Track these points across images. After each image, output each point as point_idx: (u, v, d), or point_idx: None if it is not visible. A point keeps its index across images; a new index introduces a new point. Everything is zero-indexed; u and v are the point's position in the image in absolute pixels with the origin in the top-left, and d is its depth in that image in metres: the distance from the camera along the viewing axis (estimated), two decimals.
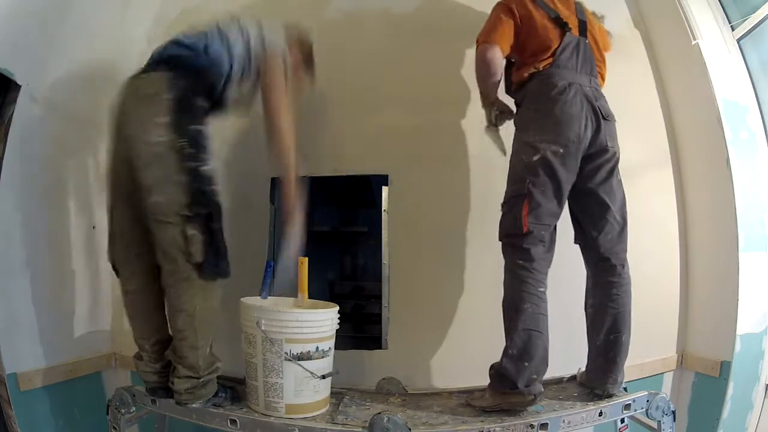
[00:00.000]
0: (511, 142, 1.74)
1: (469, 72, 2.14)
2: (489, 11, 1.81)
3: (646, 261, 2.13)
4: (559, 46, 1.67)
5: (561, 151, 1.59)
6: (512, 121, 1.81)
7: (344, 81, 2.28)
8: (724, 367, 1.89)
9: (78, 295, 2.13)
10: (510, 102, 1.87)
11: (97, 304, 2.23)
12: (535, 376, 1.55)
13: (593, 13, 1.87)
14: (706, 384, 1.98)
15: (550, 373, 1.88)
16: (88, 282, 2.19)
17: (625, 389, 1.77)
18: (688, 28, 2.02)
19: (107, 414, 1.72)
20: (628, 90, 2.22)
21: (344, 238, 3.75)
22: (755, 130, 1.99)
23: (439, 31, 2.25)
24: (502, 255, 1.68)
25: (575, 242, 1.77)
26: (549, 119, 1.61)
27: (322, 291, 3.31)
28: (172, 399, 1.59)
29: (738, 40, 2.05)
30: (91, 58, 2.13)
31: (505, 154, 1.82)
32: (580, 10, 1.79)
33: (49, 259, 1.96)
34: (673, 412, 1.59)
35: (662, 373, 2.12)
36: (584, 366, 1.78)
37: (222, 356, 1.82)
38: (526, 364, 1.53)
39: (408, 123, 2.21)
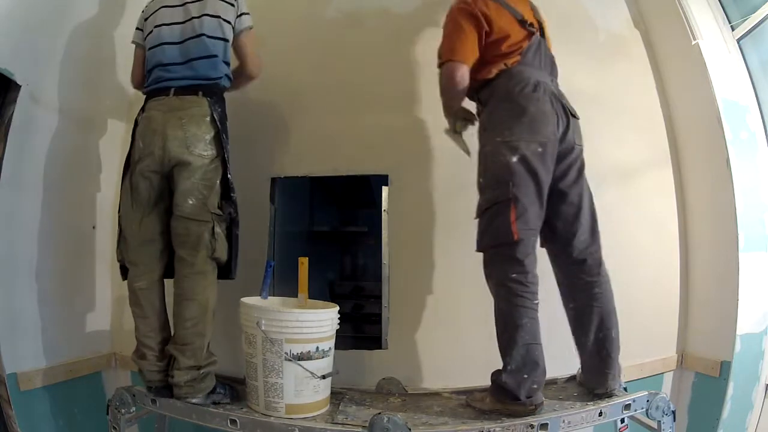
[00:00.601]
0: (478, 144, 1.69)
1: None
2: None
3: (646, 261, 2.13)
4: (526, 46, 1.66)
5: (539, 149, 1.55)
6: (478, 122, 1.76)
7: (344, 81, 2.28)
8: (724, 367, 1.89)
9: (78, 295, 2.13)
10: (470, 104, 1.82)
11: (97, 304, 2.23)
12: (535, 386, 1.53)
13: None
14: (706, 384, 1.98)
15: (551, 374, 1.89)
16: (88, 282, 2.19)
17: (625, 389, 1.77)
18: (688, 28, 2.02)
19: (107, 414, 1.72)
20: (628, 90, 2.22)
21: (344, 238, 3.75)
22: (755, 130, 1.99)
23: (439, 31, 2.25)
24: (484, 268, 1.62)
25: (542, 246, 1.69)
26: (525, 117, 1.57)
27: (322, 291, 3.30)
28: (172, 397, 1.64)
29: (738, 40, 2.05)
30: (91, 58, 2.13)
31: (469, 155, 1.79)
32: (536, 10, 1.79)
33: (49, 259, 1.96)
34: (673, 412, 1.59)
35: (662, 373, 2.12)
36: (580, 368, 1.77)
37: (222, 356, 1.83)
38: (526, 376, 1.52)
39: (408, 123, 2.21)
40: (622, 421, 1.74)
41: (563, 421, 1.50)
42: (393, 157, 2.22)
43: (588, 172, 2.15)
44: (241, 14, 1.85)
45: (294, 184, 2.53)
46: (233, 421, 1.55)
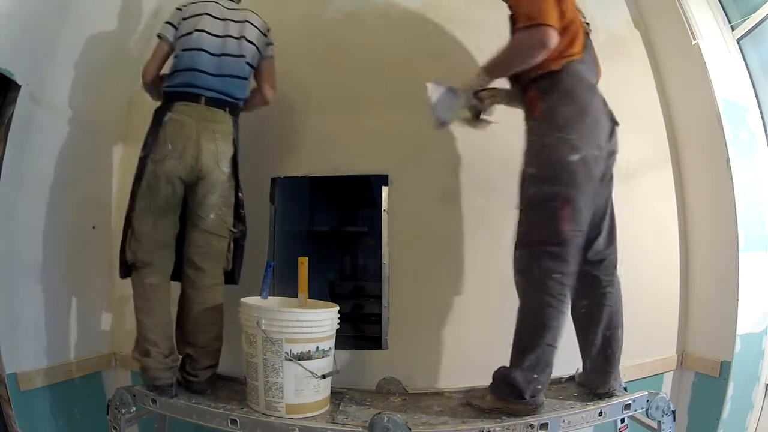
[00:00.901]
0: (530, 132, 1.62)
1: (469, 71, 2.15)
2: (489, 13, 1.79)
3: (646, 261, 2.13)
4: (585, 44, 1.61)
5: (596, 153, 1.52)
6: (530, 109, 1.65)
7: (344, 81, 2.28)
8: (724, 367, 1.89)
9: (78, 295, 2.13)
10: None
11: (97, 304, 2.24)
12: (540, 387, 1.52)
13: None
14: (706, 384, 1.98)
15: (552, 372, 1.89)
16: (88, 282, 2.19)
17: (625, 389, 1.77)
18: (688, 28, 2.02)
19: (107, 414, 1.72)
20: (628, 90, 2.22)
21: (344, 238, 3.75)
22: (755, 130, 1.99)
23: (439, 31, 2.26)
24: (522, 263, 1.56)
25: None
26: (587, 118, 1.53)
27: (322, 291, 3.31)
28: (183, 393, 1.70)
29: (738, 40, 2.05)
30: (92, 58, 2.12)
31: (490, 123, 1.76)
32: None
33: (49, 259, 1.96)
34: (673, 412, 1.59)
35: (662, 373, 2.12)
36: (580, 367, 1.76)
37: (222, 356, 1.83)
38: (536, 376, 1.50)
39: (408, 123, 2.21)
40: (622, 421, 1.75)
41: (563, 421, 1.49)
42: (393, 157, 2.22)
43: None
44: (269, 44, 1.97)
45: (294, 184, 2.53)
46: (233, 421, 1.54)
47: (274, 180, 2.28)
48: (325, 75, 2.28)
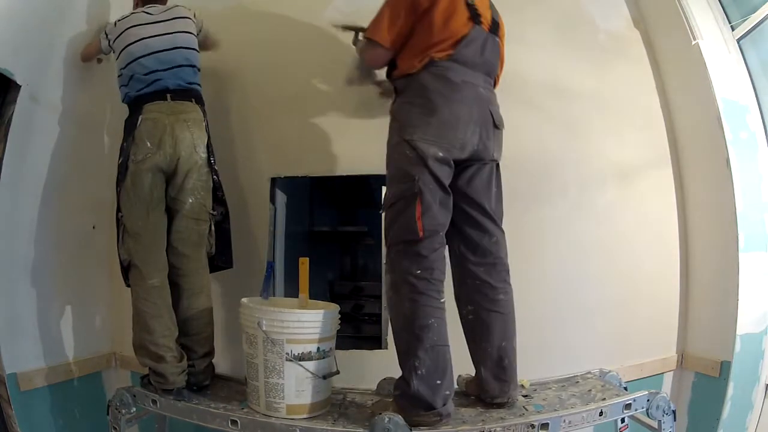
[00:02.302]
0: (388, 130, 1.61)
1: None
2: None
3: (646, 261, 2.13)
4: (464, 38, 1.54)
5: (441, 154, 1.49)
6: (390, 107, 1.66)
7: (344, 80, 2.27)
8: (724, 367, 1.89)
9: (78, 295, 2.13)
10: None
11: (97, 304, 2.23)
12: (448, 392, 1.46)
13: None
14: (706, 384, 1.98)
15: (552, 373, 1.90)
16: (88, 282, 2.19)
17: (626, 389, 1.77)
18: (688, 28, 2.02)
19: (107, 414, 1.72)
20: (628, 90, 2.22)
21: (344, 238, 3.75)
22: (755, 130, 1.99)
23: None
24: (387, 265, 1.56)
25: (451, 248, 1.64)
26: (435, 118, 1.50)
27: (322, 291, 3.31)
28: (196, 395, 1.73)
29: (738, 40, 2.05)
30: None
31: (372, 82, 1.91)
32: (495, 11, 1.68)
33: (49, 260, 1.96)
34: (674, 412, 1.59)
35: (662, 373, 2.12)
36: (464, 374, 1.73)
37: (223, 357, 1.83)
38: (439, 381, 1.44)
39: None
40: (623, 420, 1.74)
41: (564, 421, 1.49)
42: None
43: (588, 172, 2.17)
44: (200, 25, 2.04)
45: (294, 184, 2.53)
46: (234, 422, 1.54)
47: (274, 180, 2.27)
48: (326, 74, 2.28)
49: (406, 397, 1.45)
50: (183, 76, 1.89)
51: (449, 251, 1.62)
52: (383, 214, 1.59)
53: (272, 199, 2.27)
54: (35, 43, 1.86)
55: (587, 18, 2.25)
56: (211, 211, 1.89)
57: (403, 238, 1.50)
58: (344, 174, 2.27)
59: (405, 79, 1.59)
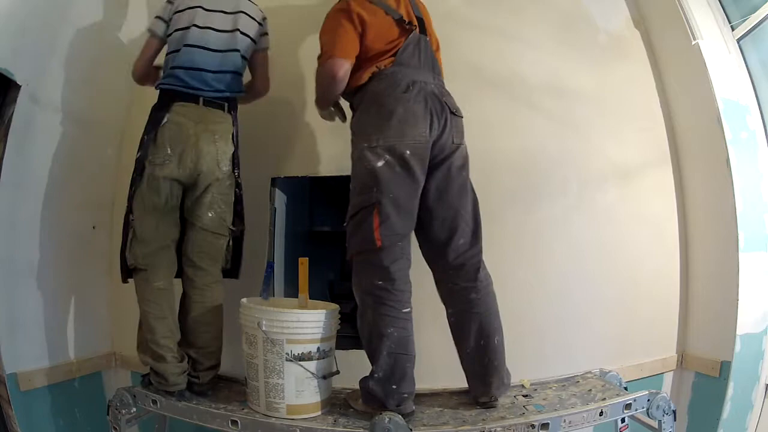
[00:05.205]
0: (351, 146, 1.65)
1: (469, 71, 2.15)
2: (489, 13, 1.79)
3: (646, 261, 2.13)
4: (401, 45, 1.61)
5: (407, 152, 1.51)
6: (349, 126, 1.71)
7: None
8: (724, 367, 1.89)
9: (78, 295, 2.13)
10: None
11: (97, 304, 2.23)
12: (406, 395, 1.52)
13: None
14: (706, 384, 1.98)
15: (552, 372, 1.90)
16: (88, 282, 2.19)
17: (626, 389, 1.77)
18: (688, 28, 2.02)
19: (107, 414, 1.72)
20: (628, 90, 2.22)
21: (344, 238, 3.73)
22: (755, 130, 1.99)
23: (439, 31, 2.25)
24: (352, 276, 1.59)
25: (420, 248, 1.66)
26: (392, 119, 1.53)
27: (322, 291, 3.30)
28: (195, 395, 1.72)
29: (738, 40, 2.05)
30: (91, 58, 2.12)
31: (344, 120, 1.82)
32: (414, 5, 1.73)
33: (49, 259, 1.96)
34: (674, 412, 1.59)
35: (662, 373, 2.12)
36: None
37: (223, 357, 1.83)
38: (394, 386, 1.50)
39: None
40: (623, 420, 1.74)
41: (564, 421, 1.49)
42: None
43: (588, 172, 2.17)
44: (264, 34, 1.92)
45: (294, 184, 2.52)
46: (234, 422, 1.54)
47: (274, 180, 2.27)
48: None
49: (365, 392, 1.56)
50: (225, 83, 1.80)
51: (423, 255, 1.66)
52: (346, 226, 1.61)
53: (272, 199, 2.27)
54: (35, 43, 1.86)
55: (587, 18, 2.25)
56: (231, 227, 1.84)
57: (362, 248, 1.54)
58: (344, 174, 2.26)
59: (358, 93, 1.66)
